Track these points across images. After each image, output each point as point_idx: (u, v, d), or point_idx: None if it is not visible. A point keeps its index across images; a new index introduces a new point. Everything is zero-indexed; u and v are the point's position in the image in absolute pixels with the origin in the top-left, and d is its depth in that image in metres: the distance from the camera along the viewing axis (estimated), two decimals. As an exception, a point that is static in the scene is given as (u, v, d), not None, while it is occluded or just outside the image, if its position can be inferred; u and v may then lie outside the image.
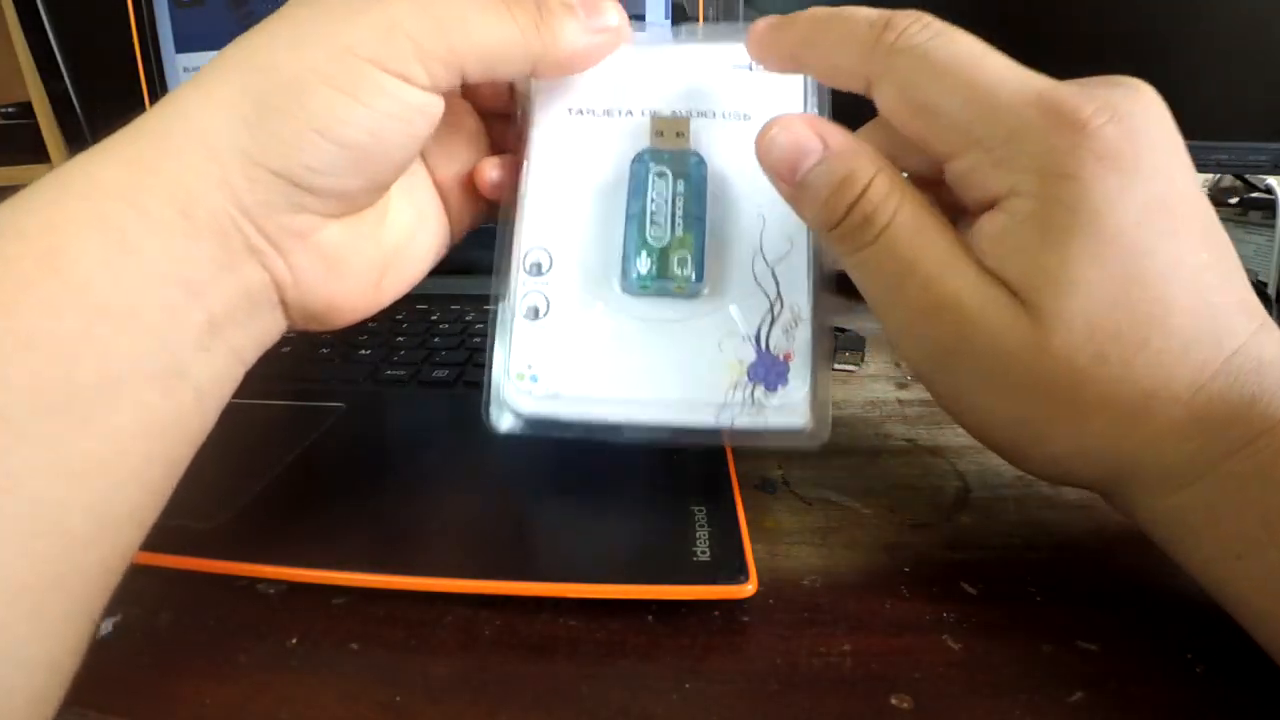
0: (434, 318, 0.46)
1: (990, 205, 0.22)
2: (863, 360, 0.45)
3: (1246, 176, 0.63)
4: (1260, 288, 0.56)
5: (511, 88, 0.28)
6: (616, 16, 0.26)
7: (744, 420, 0.25)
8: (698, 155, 0.27)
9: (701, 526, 0.26)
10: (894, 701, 0.21)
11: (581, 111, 0.28)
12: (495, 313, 0.26)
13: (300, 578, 0.25)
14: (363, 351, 0.41)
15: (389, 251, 0.26)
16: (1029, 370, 0.21)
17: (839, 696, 0.21)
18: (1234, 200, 0.64)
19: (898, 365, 0.44)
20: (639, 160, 0.27)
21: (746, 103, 0.27)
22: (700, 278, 0.26)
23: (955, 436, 0.35)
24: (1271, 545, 0.19)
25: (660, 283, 0.26)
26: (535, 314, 0.26)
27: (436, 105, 0.23)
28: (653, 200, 0.26)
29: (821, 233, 0.24)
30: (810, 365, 0.25)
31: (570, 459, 0.29)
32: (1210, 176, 0.67)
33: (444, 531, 0.27)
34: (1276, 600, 0.20)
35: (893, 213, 0.22)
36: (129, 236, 0.19)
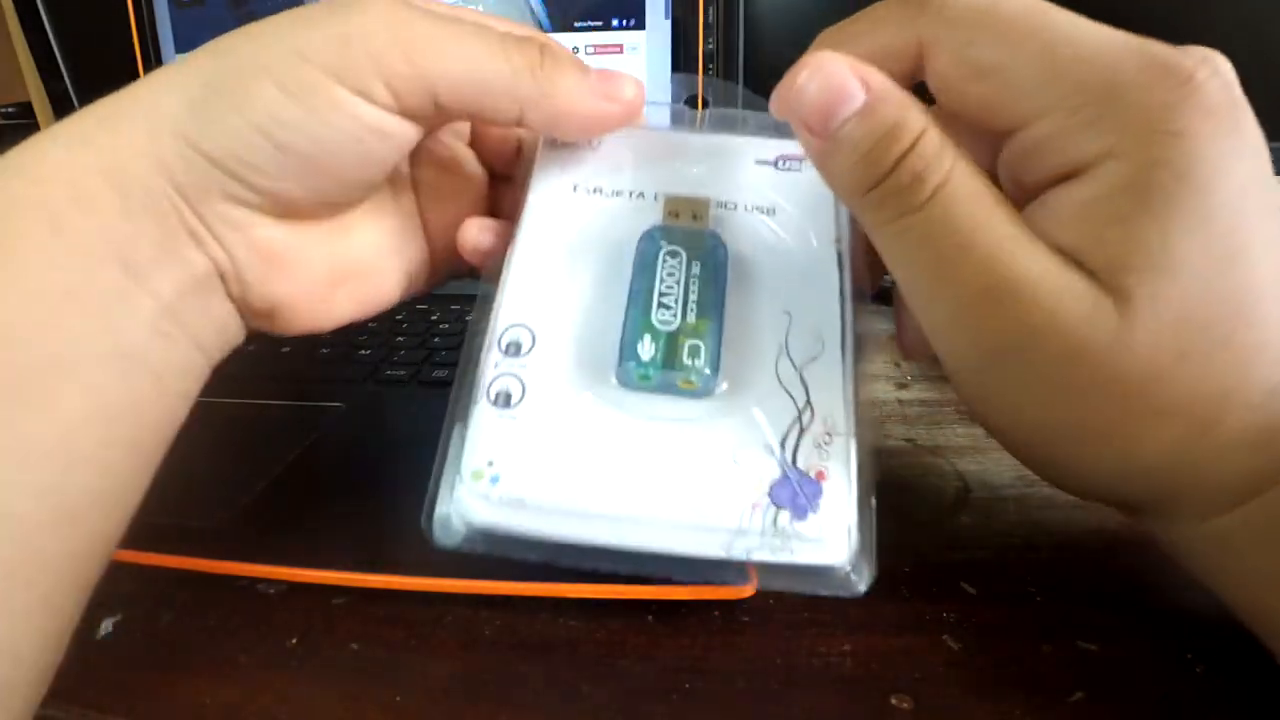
0: (434, 318, 0.46)
1: (1067, 178, 0.19)
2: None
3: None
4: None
5: (519, 150, 0.27)
6: (633, 90, 0.23)
7: (763, 554, 0.20)
8: (716, 236, 0.24)
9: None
10: (894, 701, 0.21)
11: (588, 190, 0.25)
12: (453, 397, 0.22)
13: (300, 578, 0.25)
14: (363, 351, 0.41)
15: (346, 267, 0.24)
16: (1101, 369, 0.18)
17: (839, 696, 0.21)
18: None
19: (898, 365, 0.44)
20: (648, 237, 0.24)
21: (772, 196, 0.25)
22: (716, 372, 0.21)
23: (955, 437, 0.35)
24: None
25: (666, 374, 0.21)
26: (506, 400, 0.21)
27: (404, 131, 0.22)
28: (662, 279, 0.23)
29: (855, 197, 0.20)
30: (849, 487, 0.21)
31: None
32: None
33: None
34: None
35: (947, 172, 0.18)
36: (64, 217, 0.19)
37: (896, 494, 0.31)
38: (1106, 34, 0.18)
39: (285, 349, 0.41)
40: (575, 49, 0.48)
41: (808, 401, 0.22)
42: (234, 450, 0.31)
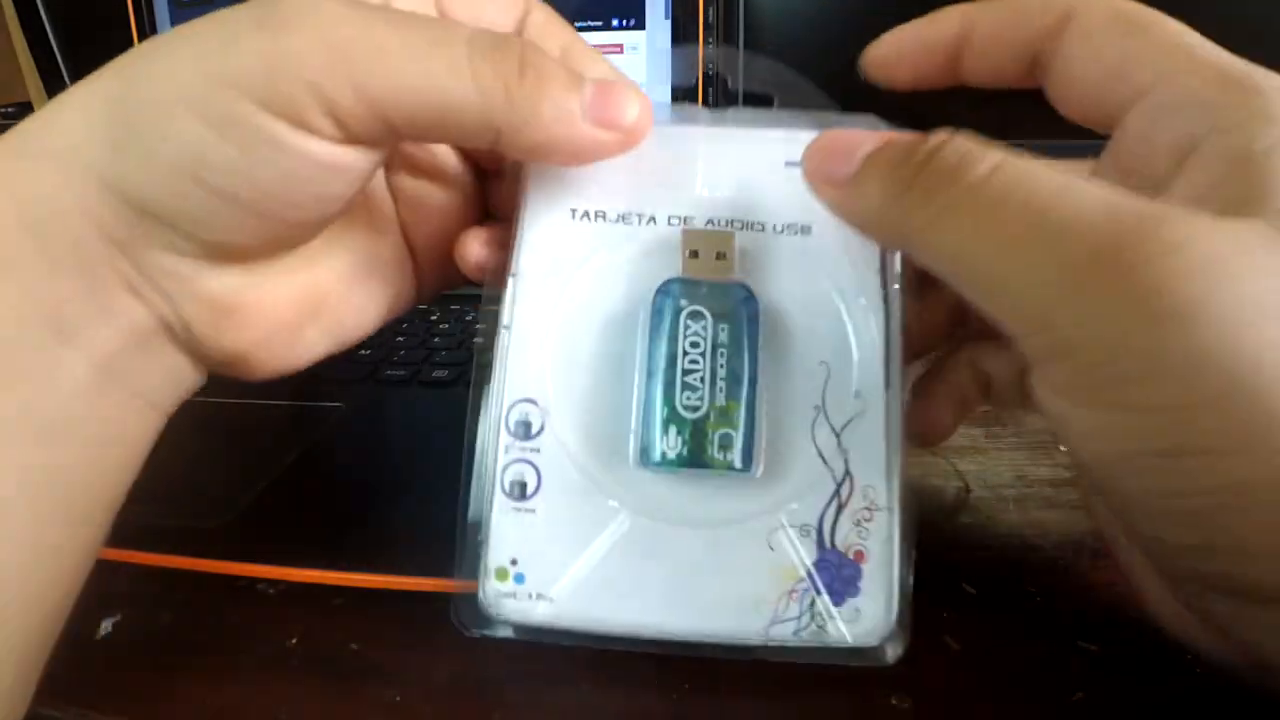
0: (434, 318, 0.46)
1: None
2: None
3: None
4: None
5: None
6: (636, 109, 0.19)
7: (800, 639, 0.20)
8: (745, 289, 0.21)
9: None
10: (894, 702, 0.21)
11: (588, 215, 0.22)
12: (467, 465, 0.21)
13: (300, 578, 0.25)
14: (363, 351, 0.41)
15: (313, 302, 0.22)
16: None
17: (839, 696, 0.21)
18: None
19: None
20: (666, 293, 0.21)
21: (806, 210, 0.20)
22: (749, 465, 0.20)
23: (955, 437, 0.35)
24: None
25: (692, 466, 0.20)
26: (521, 491, 0.20)
27: (358, 162, 0.19)
28: (685, 351, 0.20)
29: (895, 202, 0.18)
30: (890, 569, 0.20)
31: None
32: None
33: (444, 532, 0.27)
34: None
35: (996, 153, 0.17)
36: None
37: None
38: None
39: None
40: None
41: (847, 473, 0.20)
42: (234, 450, 0.31)
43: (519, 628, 0.20)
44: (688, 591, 0.20)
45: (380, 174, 0.23)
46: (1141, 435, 0.16)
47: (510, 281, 0.21)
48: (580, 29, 0.48)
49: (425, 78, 0.17)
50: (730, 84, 0.26)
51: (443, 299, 0.48)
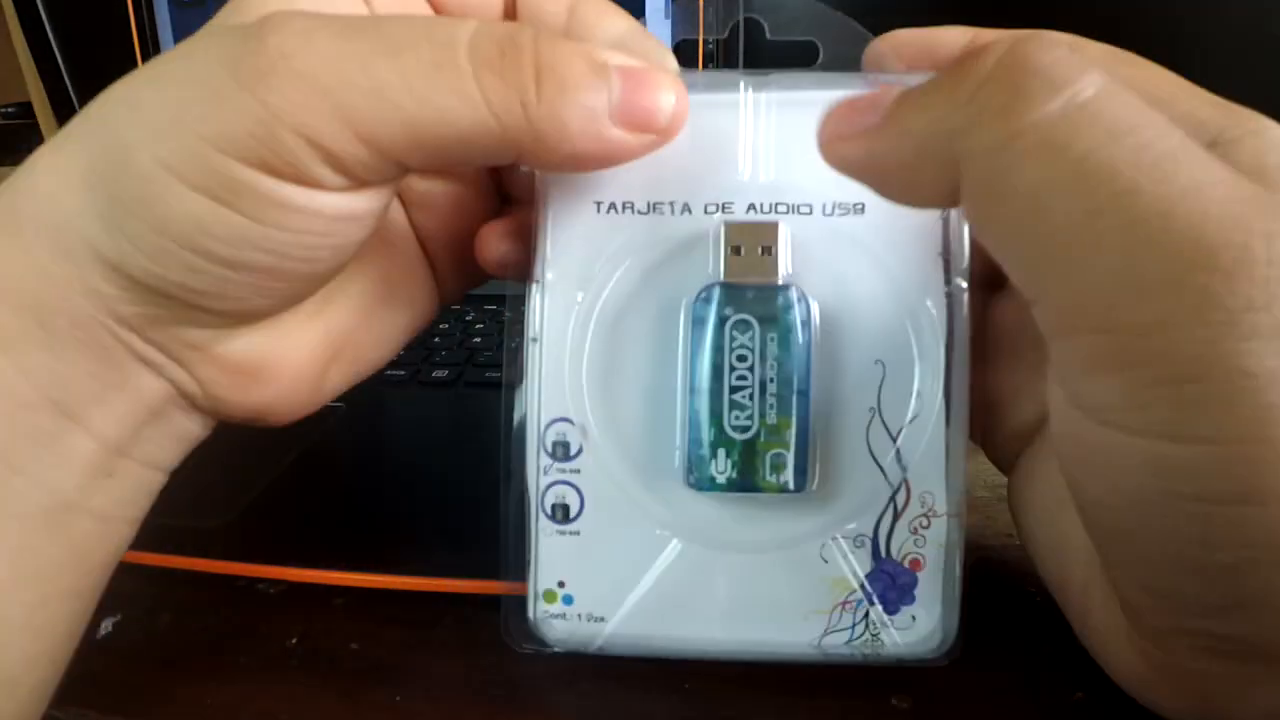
0: (434, 318, 0.46)
1: None
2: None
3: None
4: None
5: None
6: (671, 101, 0.17)
7: (854, 650, 0.20)
8: (796, 292, 0.19)
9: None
10: (894, 702, 0.21)
11: (615, 206, 0.20)
12: (505, 470, 0.20)
13: (300, 578, 0.25)
14: (363, 351, 0.41)
15: (334, 343, 0.21)
16: None
17: (839, 696, 0.21)
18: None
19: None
20: (708, 300, 0.19)
21: (859, 185, 0.17)
22: (803, 484, 0.19)
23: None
24: None
25: (743, 490, 0.19)
26: (565, 515, 0.20)
27: (373, 203, 0.17)
28: (732, 366, 0.19)
29: (945, 117, 0.15)
30: (946, 577, 0.19)
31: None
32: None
33: (444, 531, 0.27)
34: None
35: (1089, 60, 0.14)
36: None
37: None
38: None
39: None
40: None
41: (903, 480, 0.19)
42: (234, 450, 0.30)
43: (570, 648, 0.20)
44: (739, 608, 0.20)
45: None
46: (1200, 475, 0.13)
47: (535, 289, 0.20)
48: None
49: (431, 109, 0.15)
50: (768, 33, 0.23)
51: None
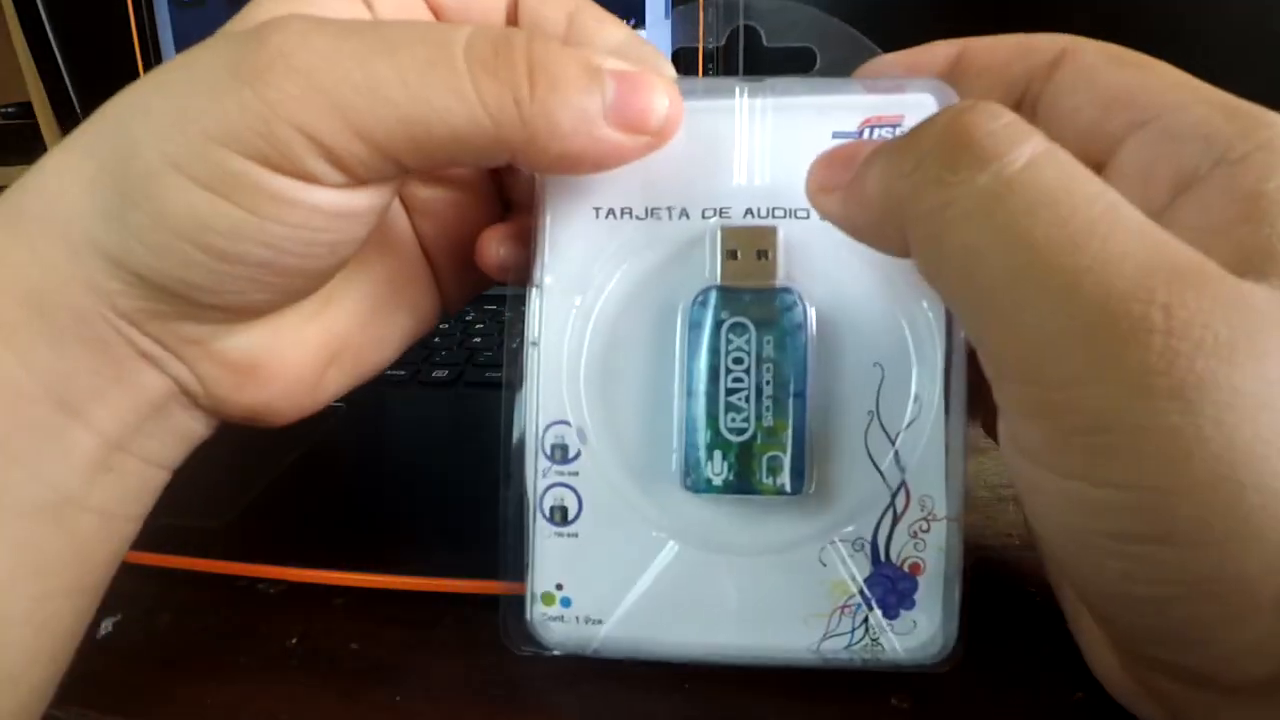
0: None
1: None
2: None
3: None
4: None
5: None
6: (665, 104, 0.17)
7: (853, 654, 0.20)
8: (792, 295, 0.19)
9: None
10: (894, 702, 0.21)
11: (613, 212, 0.20)
12: (503, 475, 0.20)
13: (300, 578, 0.25)
14: (363, 351, 0.41)
15: (334, 345, 0.21)
16: None
17: (839, 696, 0.21)
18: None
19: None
20: (704, 304, 0.19)
21: None
22: (799, 487, 0.19)
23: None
24: None
25: (740, 492, 0.19)
26: (563, 516, 0.20)
27: (372, 200, 0.18)
28: (728, 369, 0.19)
29: (908, 178, 0.15)
30: (946, 582, 0.19)
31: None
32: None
33: (444, 531, 0.27)
34: None
35: (1035, 132, 0.15)
36: None
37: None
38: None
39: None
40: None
41: (902, 482, 0.19)
42: (234, 450, 0.31)
43: (568, 650, 0.20)
44: (738, 612, 0.20)
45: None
46: (1114, 515, 0.14)
47: (534, 293, 0.20)
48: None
49: (426, 106, 0.16)
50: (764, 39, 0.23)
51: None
